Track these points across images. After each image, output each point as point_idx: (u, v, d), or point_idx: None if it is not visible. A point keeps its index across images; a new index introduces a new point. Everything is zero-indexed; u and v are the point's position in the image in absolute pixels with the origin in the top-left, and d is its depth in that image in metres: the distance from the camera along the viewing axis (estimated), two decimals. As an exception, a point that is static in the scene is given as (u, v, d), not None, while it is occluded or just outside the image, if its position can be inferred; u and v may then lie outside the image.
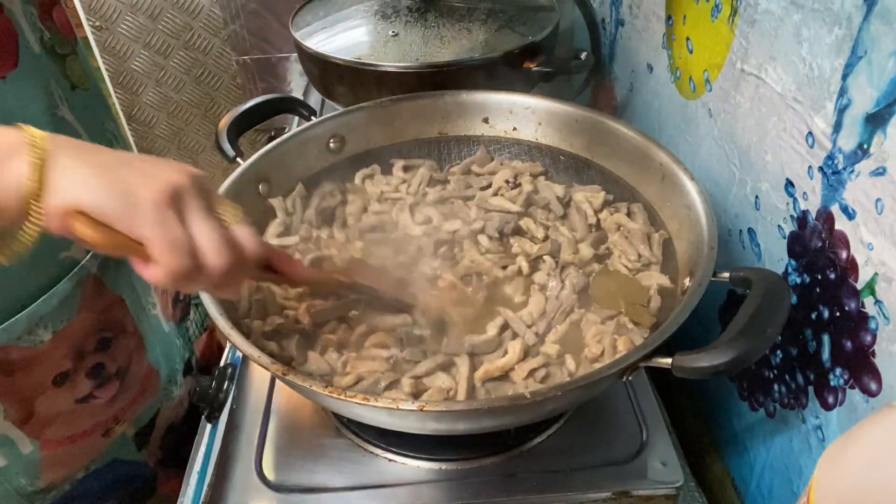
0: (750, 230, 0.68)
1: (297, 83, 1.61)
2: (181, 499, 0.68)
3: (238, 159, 0.74)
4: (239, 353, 0.76)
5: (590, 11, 1.05)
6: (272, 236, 0.72)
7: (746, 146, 0.67)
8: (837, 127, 0.52)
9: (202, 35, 1.60)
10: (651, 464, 0.60)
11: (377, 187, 0.79)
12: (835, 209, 0.54)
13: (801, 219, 0.59)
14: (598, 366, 0.57)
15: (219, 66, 1.66)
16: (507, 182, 0.79)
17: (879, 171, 0.48)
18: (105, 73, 1.63)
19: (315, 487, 0.60)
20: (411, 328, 0.61)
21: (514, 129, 0.84)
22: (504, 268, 0.69)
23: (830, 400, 0.56)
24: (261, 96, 0.84)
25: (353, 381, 0.57)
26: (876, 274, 0.49)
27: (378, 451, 0.63)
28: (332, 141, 0.81)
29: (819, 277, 0.56)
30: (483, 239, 0.72)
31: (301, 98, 0.88)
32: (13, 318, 0.62)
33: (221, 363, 0.77)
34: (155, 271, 0.43)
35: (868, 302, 0.50)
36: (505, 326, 0.62)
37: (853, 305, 0.52)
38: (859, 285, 0.51)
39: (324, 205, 0.76)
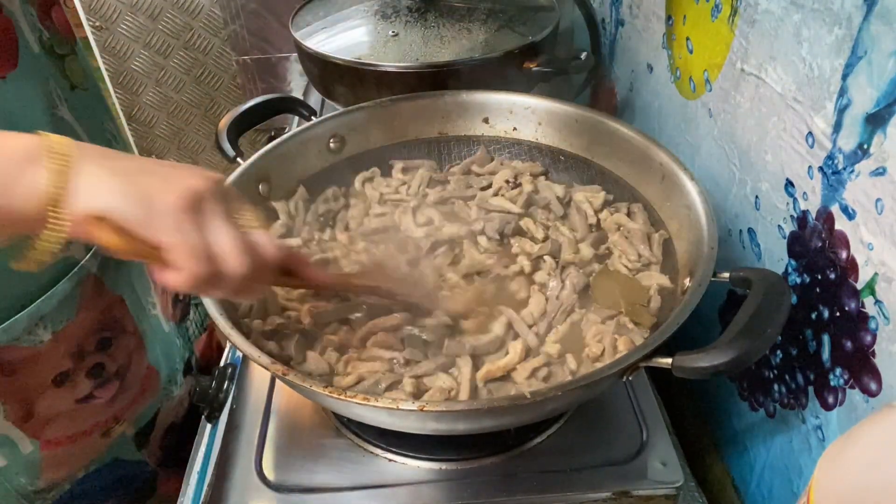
0: (750, 230, 0.68)
1: (297, 83, 1.61)
2: (181, 499, 0.68)
3: (238, 159, 0.74)
4: (239, 353, 0.76)
5: (590, 11, 1.05)
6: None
7: (746, 146, 0.67)
8: (837, 127, 0.52)
9: (202, 35, 1.60)
10: (651, 464, 0.60)
11: (377, 190, 0.79)
12: (835, 209, 0.54)
13: (801, 219, 0.59)
14: (599, 365, 0.57)
15: (219, 66, 1.66)
16: (507, 182, 0.79)
17: (879, 171, 0.48)
18: (105, 73, 1.63)
19: (315, 487, 0.60)
20: (414, 329, 0.61)
21: (514, 129, 0.84)
22: (505, 267, 0.69)
23: (830, 400, 0.56)
24: (261, 96, 0.84)
25: (354, 381, 0.57)
26: (876, 274, 0.49)
27: (378, 451, 0.63)
28: (332, 141, 0.81)
29: (819, 277, 0.56)
30: (483, 240, 0.72)
31: (301, 98, 0.88)
32: (13, 318, 0.62)
33: (221, 363, 0.77)
34: (175, 277, 0.44)
35: (868, 302, 0.50)
36: (509, 327, 0.62)
37: (853, 305, 0.52)
38: (859, 285, 0.51)
39: (326, 208, 0.77)
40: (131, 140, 1.74)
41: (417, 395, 0.56)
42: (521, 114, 0.83)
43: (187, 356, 0.89)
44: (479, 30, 0.98)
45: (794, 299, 0.60)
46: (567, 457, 0.62)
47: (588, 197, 0.75)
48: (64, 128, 0.66)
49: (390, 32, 0.99)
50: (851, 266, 0.52)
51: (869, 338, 0.50)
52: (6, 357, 0.63)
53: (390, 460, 0.62)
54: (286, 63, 1.59)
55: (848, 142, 0.51)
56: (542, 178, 0.80)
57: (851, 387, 0.53)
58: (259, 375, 0.72)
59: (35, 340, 0.65)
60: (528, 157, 0.83)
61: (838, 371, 0.55)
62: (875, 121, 0.48)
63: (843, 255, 0.53)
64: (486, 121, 0.85)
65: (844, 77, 0.51)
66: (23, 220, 0.41)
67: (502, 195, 0.77)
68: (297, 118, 0.87)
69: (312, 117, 0.83)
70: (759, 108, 0.64)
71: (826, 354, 0.56)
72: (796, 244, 0.60)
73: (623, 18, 1.02)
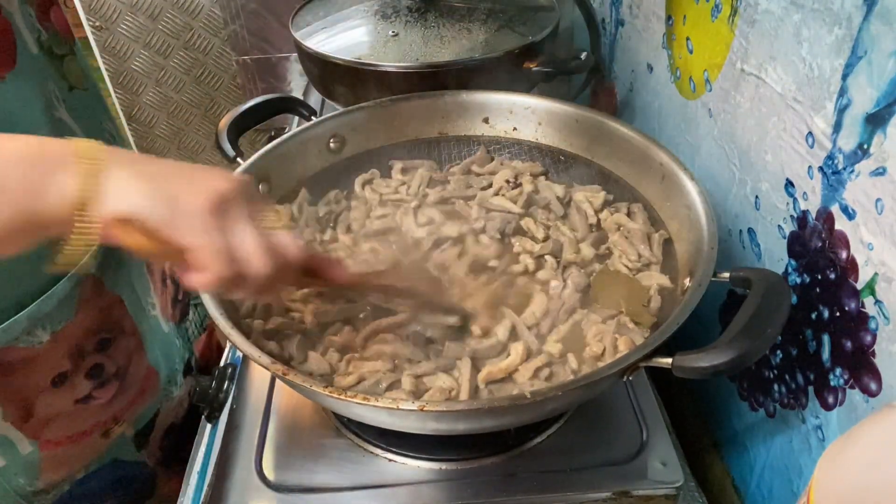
0: (750, 230, 0.68)
1: (297, 83, 1.61)
2: (181, 499, 0.68)
3: (238, 159, 0.74)
4: (239, 353, 0.76)
5: (590, 11, 1.05)
6: None
7: (746, 146, 0.67)
8: (837, 127, 0.52)
9: (202, 35, 1.60)
10: (651, 464, 0.60)
11: (377, 191, 0.79)
12: (835, 209, 0.54)
13: (801, 219, 0.58)
14: (600, 364, 0.57)
15: (219, 66, 1.66)
16: (507, 182, 0.79)
17: (879, 171, 0.48)
18: (105, 73, 1.63)
19: (315, 487, 0.60)
20: (418, 327, 0.61)
21: (515, 129, 0.84)
22: (510, 265, 0.69)
23: (830, 400, 0.56)
24: (261, 96, 0.84)
25: (355, 381, 0.57)
26: (876, 274, 0.49)
27: (378, 451, 0.63)
28: (332, 141, 0.81)
29: (819, 277, 0.56)
30: (484, 239, 0.72)
31: (301, 98, 0.88)
32: (12, 319, 0.62)
33: (221, 363, 0.77)
34: (199, 278, 0.45)
35: (868, 302, 0.50)
36: (512, 331, 0.62)
37: (853, 305, 0.52)
38: (859, 285, 0.51)
39: (328, 209, 0.77)
40: (131, 140, 1.74)
41: (417, 394, 0.56)
42: (521, 114, 0.83)
43: (187, 356, 0.89)
44: (479, 30, 0.98)
45: (794, 299, 0.60)
46: (567, 457, 0.62)
47: (588, 197, 0.75)
48: (62, 128, 0.66)
49: (390, 32, 0.99)
50: (851, 266, 0.52)
51: (869, 338, 0.50)
52: (5, 358, 0.63)
53: (390, 460, 0.62)
54: (286, 63, 1.59)
55: (848, 142, 0.51)
56: (543, 178, 0.80)
57: (851, 387, 0.53)
58: (259, 375, 0.72)
59: (34, 341, 0.65)
60: (528, 157, 0.83)
61: (838, 371, 0.55)
62: (875, 121, 0.48)
63: (843, 255, 0.53)
64: (486, 121, 0.85)
65: (844, 77, 0.51)
66: (52, 223, 0.41)
67: (503, 195, 0.77)
68: (297, 118, 0.87)
69: (312, 117, 0.83)
70: (759, 108, 0.64)
71: (826, 354, 0.56)
72: (796, 244, 0.60)
73: (623, 18, 1.02)
